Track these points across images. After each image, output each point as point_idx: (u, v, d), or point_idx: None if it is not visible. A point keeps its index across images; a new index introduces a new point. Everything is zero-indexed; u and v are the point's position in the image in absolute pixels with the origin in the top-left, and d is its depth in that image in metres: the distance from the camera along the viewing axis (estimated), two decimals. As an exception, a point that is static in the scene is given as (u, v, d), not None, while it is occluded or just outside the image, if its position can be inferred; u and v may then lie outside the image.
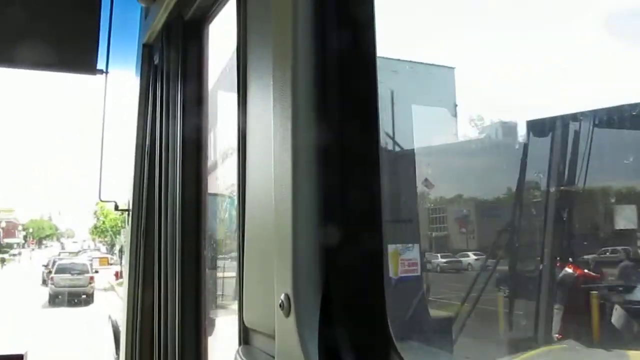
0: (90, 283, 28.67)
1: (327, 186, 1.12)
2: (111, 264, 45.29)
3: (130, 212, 3.08)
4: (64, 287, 27.87)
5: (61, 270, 29.16)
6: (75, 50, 2.87)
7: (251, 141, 1.42)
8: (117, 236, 46.40)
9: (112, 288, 30.63)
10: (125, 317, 3.11)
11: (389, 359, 1.10)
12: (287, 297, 1.10)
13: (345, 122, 1.15)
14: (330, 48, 1.14)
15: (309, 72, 1.13)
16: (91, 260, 42.35)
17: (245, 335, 1.44)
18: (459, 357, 3.41)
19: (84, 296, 27.84)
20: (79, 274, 28.80)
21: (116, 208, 3.39)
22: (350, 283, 1.11)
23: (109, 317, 3.77)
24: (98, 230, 58.77)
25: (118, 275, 30.38)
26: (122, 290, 3.30)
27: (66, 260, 35.31)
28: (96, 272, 31.38)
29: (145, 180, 2.92)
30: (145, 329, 2.87)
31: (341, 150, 1.14)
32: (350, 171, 1.15)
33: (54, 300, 27.67)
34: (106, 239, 60.97)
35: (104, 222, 52.77)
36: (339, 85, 1.14)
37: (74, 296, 27.38)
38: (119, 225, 40.91)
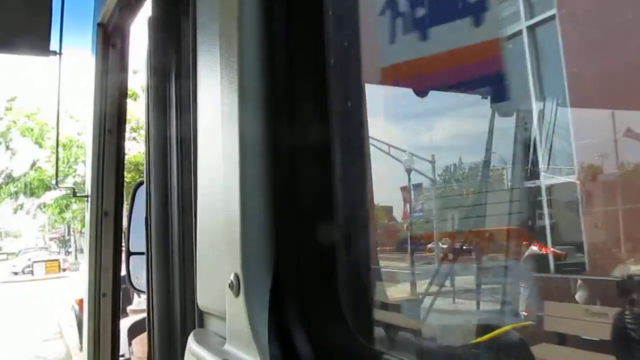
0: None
1: (277, 164, 1.10)
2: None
3: (89, 198, 3.02)
4: None
5: None
6: (26, 31, 2.75)
7: (201, 129, 1.40)
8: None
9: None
10: (87, 305, 3.07)
11: (341, 336, 1.09)
12: (237, 276, 1.08)
13: (295, 102, 1.14)
14: (280, 34, 1.12)
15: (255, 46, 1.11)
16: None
17: (199, 319, 1.43)
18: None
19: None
20: None
21: (74, 194, 3.30)
22: (301, 261, 1.10)
23: (72, 306, 3.70)
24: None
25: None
26: (82, 279, 3.23)
27: None
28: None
29: (104, 164, 2.87)
30: (107, 314, 2.85)
31: (291, 131, 1.12)
32: (302, 152, 1.13)
33: None
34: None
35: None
36: (287, 64, 1.13)
37: None
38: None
